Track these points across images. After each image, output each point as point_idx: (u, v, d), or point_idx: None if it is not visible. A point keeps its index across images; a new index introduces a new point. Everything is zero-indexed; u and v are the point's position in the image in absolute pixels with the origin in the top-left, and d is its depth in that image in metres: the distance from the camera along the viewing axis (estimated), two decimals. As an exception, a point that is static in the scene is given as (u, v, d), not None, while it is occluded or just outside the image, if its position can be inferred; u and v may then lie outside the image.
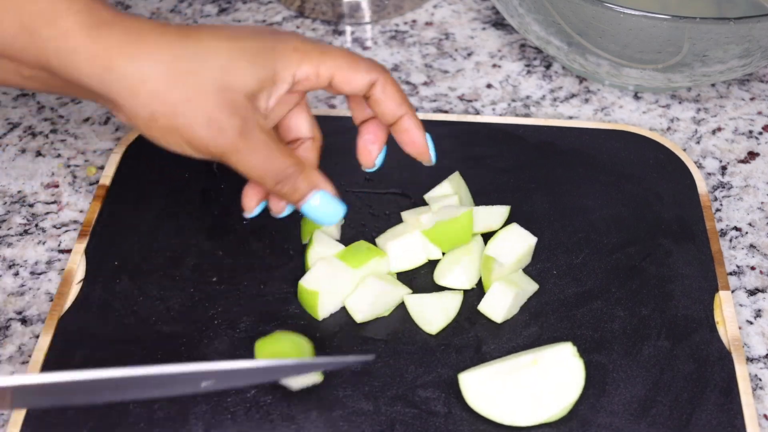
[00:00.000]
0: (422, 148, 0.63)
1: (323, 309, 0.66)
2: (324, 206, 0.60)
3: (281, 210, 0.63)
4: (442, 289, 0.69)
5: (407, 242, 0.70)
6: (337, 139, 0.80)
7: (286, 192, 0.59)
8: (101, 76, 0.54)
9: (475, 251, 0.70)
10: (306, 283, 0.66)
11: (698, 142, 0.83)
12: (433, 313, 0.67)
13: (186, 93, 0.54)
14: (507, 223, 0.72)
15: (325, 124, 0.81)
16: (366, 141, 0.64)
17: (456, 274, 0.69)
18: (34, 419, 0.61)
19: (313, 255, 0.69)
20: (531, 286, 0.69)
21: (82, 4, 0.54)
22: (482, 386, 0.61)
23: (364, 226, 0.73)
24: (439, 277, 0.69)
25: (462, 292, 0.69)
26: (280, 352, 0.62)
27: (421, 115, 0.82)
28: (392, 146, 0.79)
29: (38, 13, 0.53)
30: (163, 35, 0.55)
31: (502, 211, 0.72)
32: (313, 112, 0.82)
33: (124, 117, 0.56)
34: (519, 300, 0.67)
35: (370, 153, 0.64)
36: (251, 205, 0.62)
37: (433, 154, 0.64)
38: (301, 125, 0.64)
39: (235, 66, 0.55)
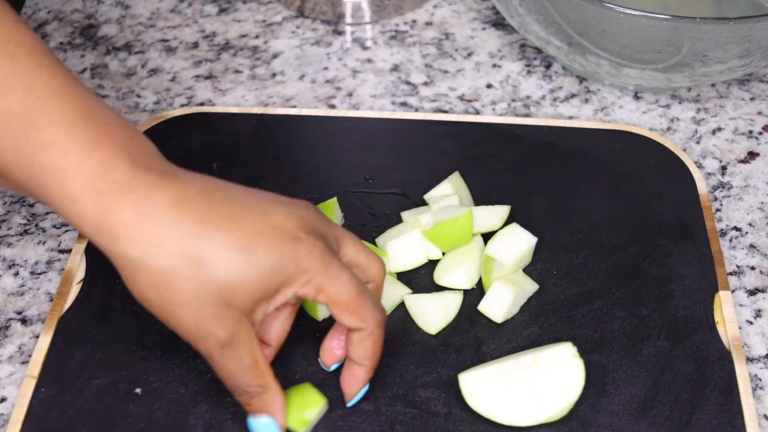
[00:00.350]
0: (350, 392, 0.61)
1: (323, 309, 0.66)
2: (267, 429, 0.58)
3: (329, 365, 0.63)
4: (442, 289, 0.69)
5: (407, 242, 0.70)
6: (337, 139, 0.80)
7: (241, 401, 0.58)
8: (106, 247, 0.52)
9: (476, 251, 0.70)
10: None
11: (698, 142, 0.83)
12: (433, 313, 0.67)
13: (183, 298, 0.53)
14: (507, 223, 0.72)
15: (325, 124, 0.81)
16: (332, 343, 0.63)
17: (456, 274, 0.69)
18: (34, 419, 0.61)
19: None
20: (531, 286, 0.69)
21: (94, 162, 0.51)
22: (482, 386, 0.61)
23: (364, 226, 0.73)
24: (439, 277, 0.69)
25: (462, 292, 0.69)
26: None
27: (421, 115, 0.82)
28: (393, 146, 0.80)
29: (48, 168, 0.51)
30: (177, 224, 0.52)
31: (502, 211, 0.72)
32: (313, 112, 0.83)
33: None
34: (519, 300, 0.67)
35: (334, 354, 0.62)
36: (328, 362, 0.63)
37: (354, 401, 0.62)
38: (272, 332, 0.61)
39: (240, 284, 0.53)
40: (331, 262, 0.55)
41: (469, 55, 0.91)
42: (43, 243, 0.74)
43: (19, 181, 0.53)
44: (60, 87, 0.53)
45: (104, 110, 0.54)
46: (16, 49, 0.52)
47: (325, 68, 0.89)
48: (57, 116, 0.52)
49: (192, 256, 0.52)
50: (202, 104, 0.85)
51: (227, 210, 0.53)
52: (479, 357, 0.65)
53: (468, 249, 0.70)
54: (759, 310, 0.70)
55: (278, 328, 0.61)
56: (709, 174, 0.80)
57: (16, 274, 0.72)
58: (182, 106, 0.85)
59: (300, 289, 0.55)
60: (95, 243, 0.53)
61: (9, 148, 0.52)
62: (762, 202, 0.78)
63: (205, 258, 0.52)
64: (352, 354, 0.59)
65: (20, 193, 0.56)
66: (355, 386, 0.61)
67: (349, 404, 0.62)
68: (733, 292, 0.71)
